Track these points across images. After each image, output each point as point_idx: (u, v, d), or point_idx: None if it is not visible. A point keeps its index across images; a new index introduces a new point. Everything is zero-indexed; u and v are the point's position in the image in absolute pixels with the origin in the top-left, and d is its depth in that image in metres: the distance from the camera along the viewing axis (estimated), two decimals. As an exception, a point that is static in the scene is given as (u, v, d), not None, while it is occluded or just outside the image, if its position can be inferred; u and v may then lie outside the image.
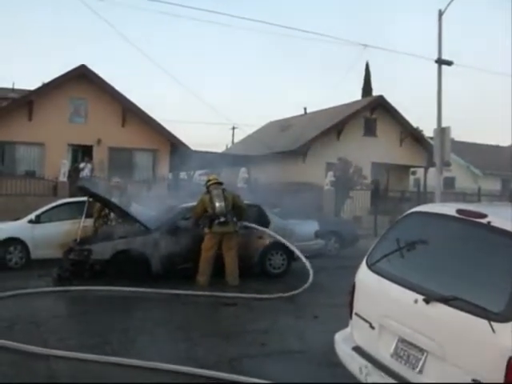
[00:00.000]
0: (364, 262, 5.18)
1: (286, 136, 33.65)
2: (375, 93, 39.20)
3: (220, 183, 12.42)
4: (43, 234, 14.33)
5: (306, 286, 10.99)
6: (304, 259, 11.98)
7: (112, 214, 13.73)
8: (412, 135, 32.93)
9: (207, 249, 11.90)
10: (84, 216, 13.20)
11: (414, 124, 33.91)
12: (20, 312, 9.13)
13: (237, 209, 12.22)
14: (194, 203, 12.49)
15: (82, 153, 25.67)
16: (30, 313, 9.12)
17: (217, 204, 11.90)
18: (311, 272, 11.47)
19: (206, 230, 11.96)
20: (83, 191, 14.22)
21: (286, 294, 10.60)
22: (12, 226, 14.63)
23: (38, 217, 14.72)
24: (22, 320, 8.58)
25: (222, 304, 10.08)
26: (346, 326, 5.28)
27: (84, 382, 5.88)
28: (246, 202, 13.00)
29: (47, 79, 25.70)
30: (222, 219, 11.81)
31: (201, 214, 12.11)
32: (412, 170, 34.67)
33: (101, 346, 7.15)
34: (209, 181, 12.56)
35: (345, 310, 5.46)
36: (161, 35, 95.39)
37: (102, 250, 11.95)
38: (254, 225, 12.69)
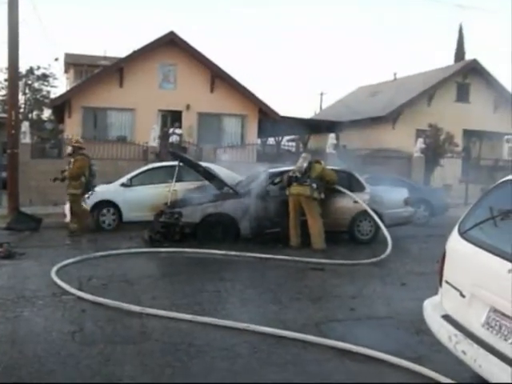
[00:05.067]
0: (456, 230, 5.03)
1: (376, 102, 33.07)
2: (468, 56, 37.93)
3: (317, 162, 12.63)
4: (135, 197, 14.69)
5: (383, 256, 10.90)
6: (384, 228, 11.87)
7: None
8: (507, 101, 31.69)
9: (289, 211, 12.18)
10: (174, 180, 13.42)
11: (511, 89, 32.63)
12: (114, 271, 9.42)
13: (327, 182, 12.37)
14: (283, 168, 12.78)
15: (171, 118, 26.03)
16: (123, 272, 9.40)
17: (298, 162, 12.28)
18: (390, 242, 11.37)
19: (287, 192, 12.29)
20: (174, 156, 14.46)
21: (361, 262, 10.64)
22: (105, 189, 15.04)
23: (130, 180, 15.08)
24: (116, 279, 8.88)
25: (309, 268, 10.08)
26: (434, 294, 5.17)
27: (174, 339, 6.00)
28: (335, 167, 12.98)
29: (137, 46, 26.10)
30: (297, 174, 12.05)
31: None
32: (507, 137, 33.41)
33: (191, 306, 7.32)
34: None
35: (433, 278, 5.37)
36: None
37: (192, 214, 12.16)
38: (342, 188, 12.72)
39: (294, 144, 35.14)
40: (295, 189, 12.06)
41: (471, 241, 4.69)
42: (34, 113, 50.47)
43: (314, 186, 12.00)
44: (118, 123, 25.39)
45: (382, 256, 10.87)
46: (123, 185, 14.99)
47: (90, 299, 7.38)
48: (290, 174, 12.23)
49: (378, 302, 7.92)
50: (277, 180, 12.88)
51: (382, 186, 13.98)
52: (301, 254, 11.07)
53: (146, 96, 24.53)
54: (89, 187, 13.68)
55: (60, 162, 21.10)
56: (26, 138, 19.69)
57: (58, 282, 8.27)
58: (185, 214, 12.17)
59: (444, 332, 4.63)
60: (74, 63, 42.31)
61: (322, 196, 12.16)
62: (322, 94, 51.18)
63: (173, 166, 13.97)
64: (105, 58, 37.84)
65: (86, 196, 13.76)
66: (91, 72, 35.61)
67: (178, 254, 11.15)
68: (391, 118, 29.86)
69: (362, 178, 13.45)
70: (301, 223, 12.15)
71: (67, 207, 14.66)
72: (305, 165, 12.14)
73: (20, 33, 15.92)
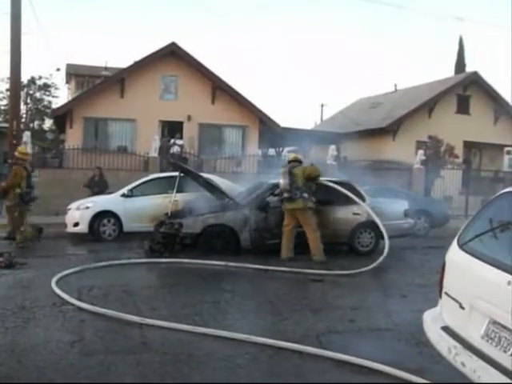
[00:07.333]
0: (455, 242, 5.03)
1: (376, 113, 33.14)
2: (469, 69, 38.05)
3: (296, 160, 12.54)
4: (135, 207, 14.74)
5: (375, 264, 10.97)
6: (386, 240, 11.79)
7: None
8: (508, 113, 31.76)
9: (283, 225, 12.17)
10: (175, 191, 13.44)
11: (511, 101, 32.71)
12: (114, 282, 9.43)
13: (311, 179, 12.23)
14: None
15: (172, 129, 26.05)
16: (123, 283, 9.38)
17: (281, 181, 12.11)
18: (386, 251, 11.38)
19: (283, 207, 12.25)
20: (175, 167, 14.49)
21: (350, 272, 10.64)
22: (106, 200, 15.10)
23: (130, 191, 15.11)
24: (116, 289, 8.87)
25: (309, 280, 10.09)
26: (434, 306, 5.17)
27: (174, 350, 6.00)
28: (335, 178, 12.97)
29: (139, 57, 26.19)
30: (286, 195, 11.99)
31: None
32: (507, 149, 33.46)
33: (191, 316, 7.31)
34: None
35: (433, 289, 5.37)
36: (248, 8, 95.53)
37: (193, 224, 12.19)
38: (352, 196, 12.63)
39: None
40: (288, 205, 12.05)
41: (471, 252, 4.68)
42: (36, 123, 50.63)
43: (306, 195, 11.95)
44: (119, 134, 25.45)
45: (374, 264, 10.93)
46: (124, 195, 15.03)
47: (89, 309, 7.37)
48: (279, 195, 12.22)
49: (377, 313, 7.91)
50: (277, 191, 12.90)
51: (382, 198, 13.99)
52: (300, 265, 11.07)
53: (146, 107, 24.62)
54: (24, 199, 13.12)
55: (60, 171, 21.25)
56: (27, 148, 19.69)
57: (58, 291, 8.27)
58: (185, 224, 12.19)
59: (443, 344, 4.62)
60: (76, 74, 42.50)
61: (314, 200, 12.08)
62: (322, 106, 51.21)
63: (173, 177, 13.99)
64: (106, 68, 37.94)
65: (31, 206, 13.52)
66: (92, 82, 35.73)
67: (178, 265, 11.18)
68: (391, 129, 29.95)
69: (362, 190, 13.44)
70: (298, 235, 12.12)
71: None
72: (287, 181, 12.00)
73: (22, 43, 16.00)
